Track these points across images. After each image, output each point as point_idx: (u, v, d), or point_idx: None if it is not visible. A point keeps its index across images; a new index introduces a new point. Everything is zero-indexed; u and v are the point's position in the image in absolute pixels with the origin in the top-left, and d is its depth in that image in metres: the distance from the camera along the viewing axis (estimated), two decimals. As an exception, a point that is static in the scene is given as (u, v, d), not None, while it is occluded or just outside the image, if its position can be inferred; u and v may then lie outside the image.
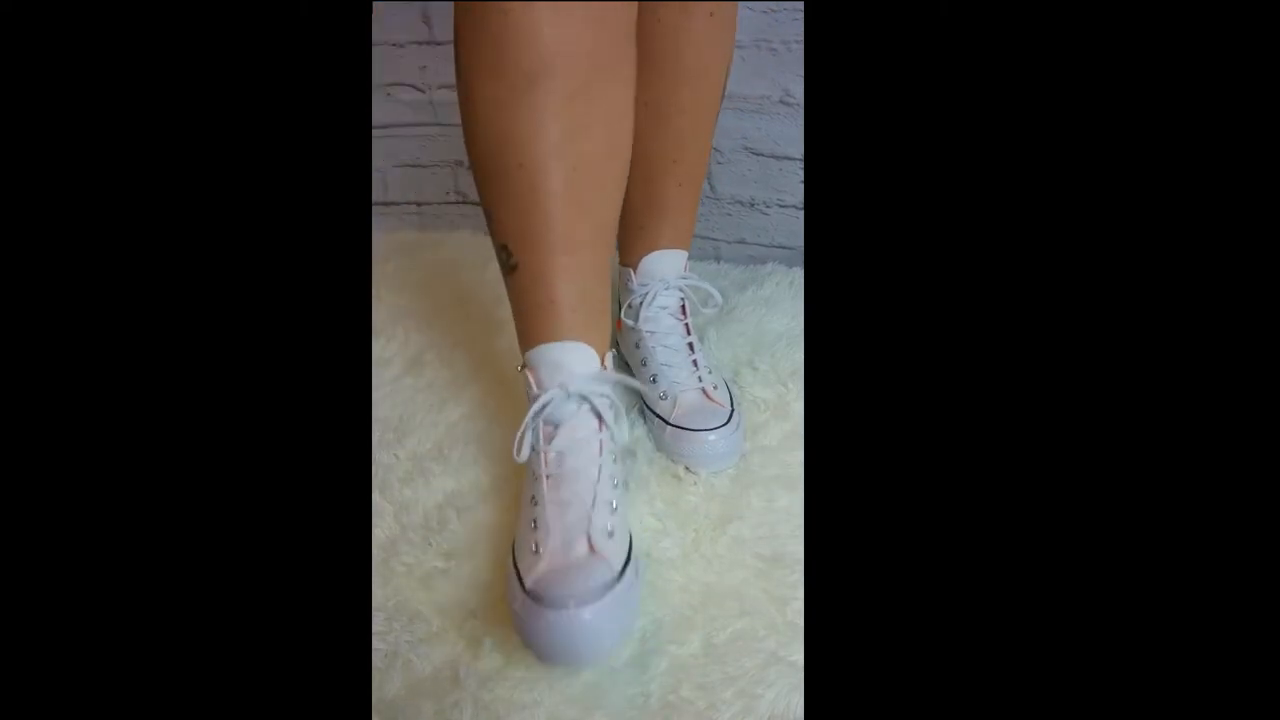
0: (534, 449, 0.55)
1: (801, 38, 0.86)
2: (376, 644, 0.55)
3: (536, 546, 0.51)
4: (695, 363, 0.71)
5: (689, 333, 0.73)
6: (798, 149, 0.93)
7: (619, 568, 0.50)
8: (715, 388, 0.69)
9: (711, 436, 0.65)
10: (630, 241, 0.75)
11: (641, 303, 0.72)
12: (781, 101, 0.91)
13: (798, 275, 0.93)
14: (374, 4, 0.96)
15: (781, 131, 0.92)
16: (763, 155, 0.95)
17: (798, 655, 0.52)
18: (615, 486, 0.54)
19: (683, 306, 0.74)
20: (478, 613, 0.57)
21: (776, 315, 0.85)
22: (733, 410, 0.67)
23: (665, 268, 0.73)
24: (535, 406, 0.55)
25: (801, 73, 0.88)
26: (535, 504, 0.53)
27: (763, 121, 0.92)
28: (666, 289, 0.72)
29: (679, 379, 0.69)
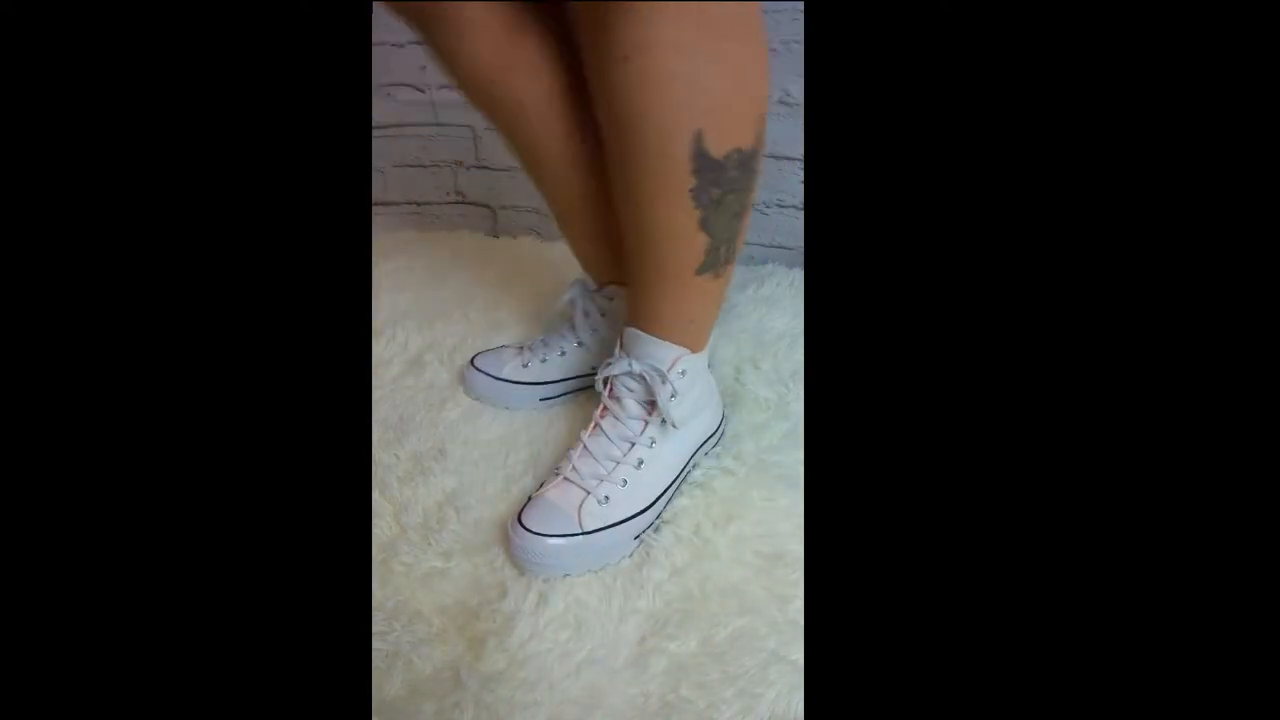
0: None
1: (801, 38, 0.86)
2: (377, 644, 0.55)
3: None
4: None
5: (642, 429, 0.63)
6: (798, 149, 0.93)
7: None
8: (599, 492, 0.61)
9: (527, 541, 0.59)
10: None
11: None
12: (781, 101, 0.91)
13: (798, 275, 0.93)
14: (374, 4, 0.96)
15: (782, 131, 0.92)
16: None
17: (798, 654, 0.52)
18: None
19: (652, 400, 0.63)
20: (479, 613, 0.57)
21: (778, 314, 0.85)
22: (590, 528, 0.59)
23: (639, 349, 0.62)
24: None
25: (801, 73, 0.88)
26: None
27: (763, 121, 0.92)
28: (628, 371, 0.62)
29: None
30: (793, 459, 0.66)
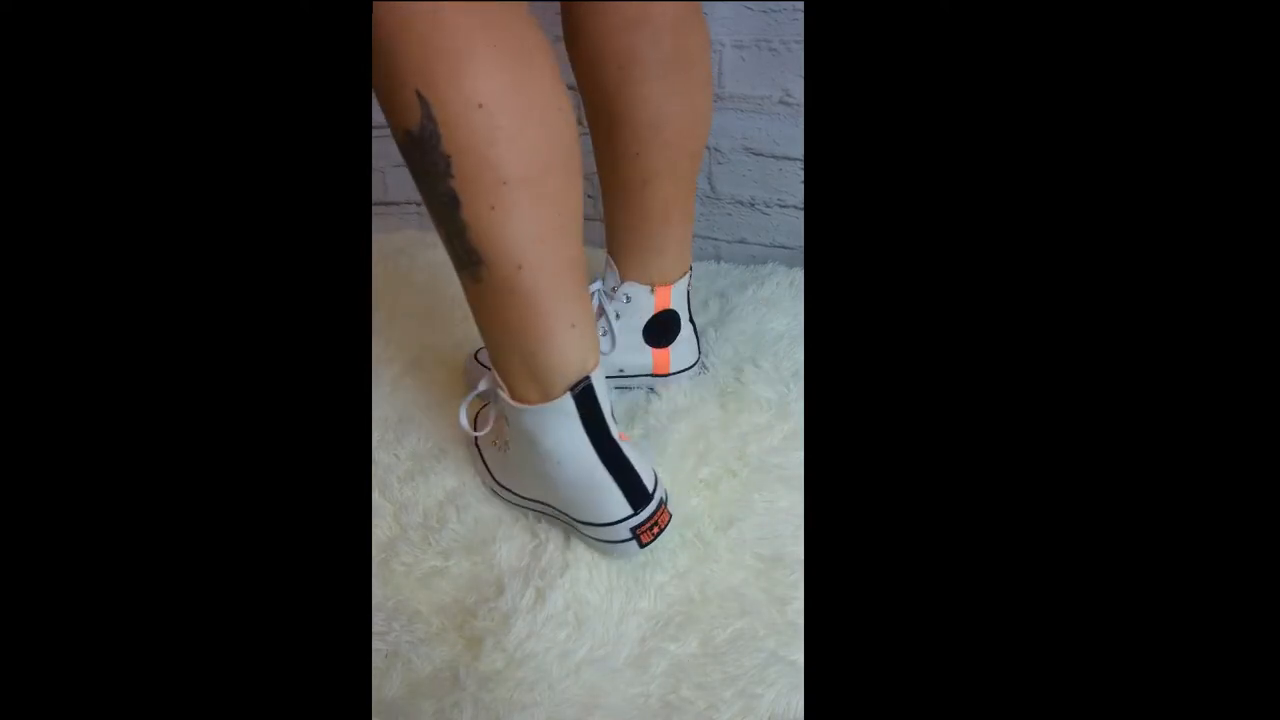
0: None
1: (801, 38, 0.86)
2: (376, 644, 0.55)
3: None
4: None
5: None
6: (798, 149, 0.93)
7: None
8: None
9: None
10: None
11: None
12: (781, 101, 0.91)
13: (798, 275, 0.93)
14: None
15: (781, 131, 0.92)
16: (763, 155, 0.95)
17: (798, 655, 0.52)
18: None
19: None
20: (476, 611, 0.57)
21: (778, 315, 0.85)
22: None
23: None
24: None
25: (801, 73, 0.88)
26: None
27: (763, 121, 0.92)
28: None
29: None
30: (794, 460, 0.66)
